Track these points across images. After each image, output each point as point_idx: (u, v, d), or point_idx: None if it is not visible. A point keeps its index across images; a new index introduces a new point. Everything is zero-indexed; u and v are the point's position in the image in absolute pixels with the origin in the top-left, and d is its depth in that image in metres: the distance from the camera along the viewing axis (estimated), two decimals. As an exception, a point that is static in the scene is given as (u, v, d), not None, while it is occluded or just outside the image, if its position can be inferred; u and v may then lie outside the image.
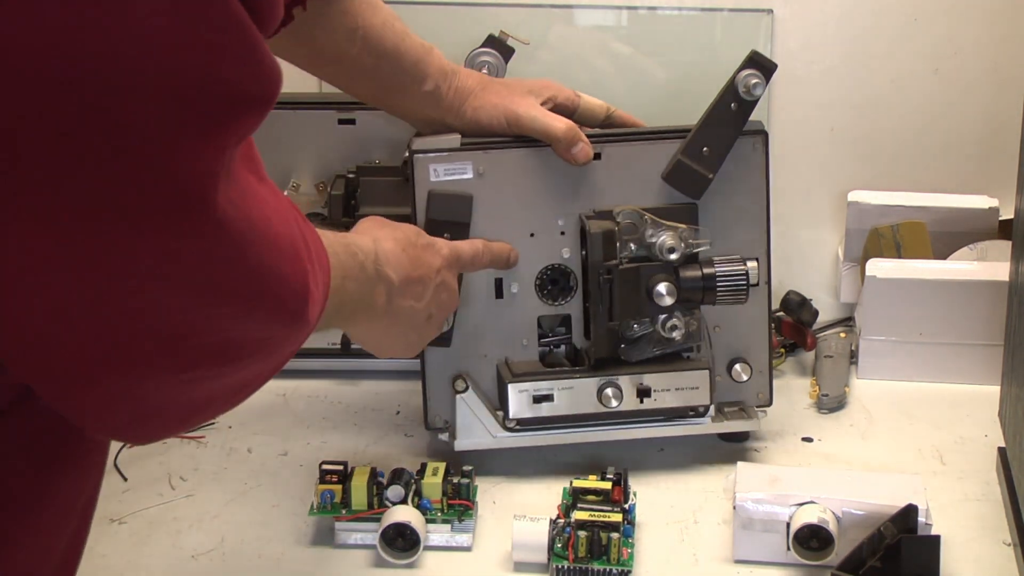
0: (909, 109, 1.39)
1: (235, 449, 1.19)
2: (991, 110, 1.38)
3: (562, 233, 1.11)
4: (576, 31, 1.40)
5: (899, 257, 1.33)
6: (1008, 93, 1.36)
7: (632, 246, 1.07)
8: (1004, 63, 1.37)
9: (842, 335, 1.35)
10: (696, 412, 1.11)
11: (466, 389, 1.11)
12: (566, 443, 1.11)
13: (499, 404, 1.11)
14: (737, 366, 1.13)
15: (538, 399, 1.10)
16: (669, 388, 1.10)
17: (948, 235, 1.34)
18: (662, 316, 1.08)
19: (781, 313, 1.34)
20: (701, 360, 1.11)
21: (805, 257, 1.44)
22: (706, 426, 1.12)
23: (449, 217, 1.09)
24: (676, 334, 1.08)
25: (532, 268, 1.12)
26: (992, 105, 1.38)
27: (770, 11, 1.37)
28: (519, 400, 1.10)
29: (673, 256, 1.06)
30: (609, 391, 1.09)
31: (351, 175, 1.26)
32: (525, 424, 1.11)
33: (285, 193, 1.31)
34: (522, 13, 1.38)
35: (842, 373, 1.29)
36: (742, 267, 1.07)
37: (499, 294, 1.11)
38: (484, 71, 1.25)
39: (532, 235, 1.11)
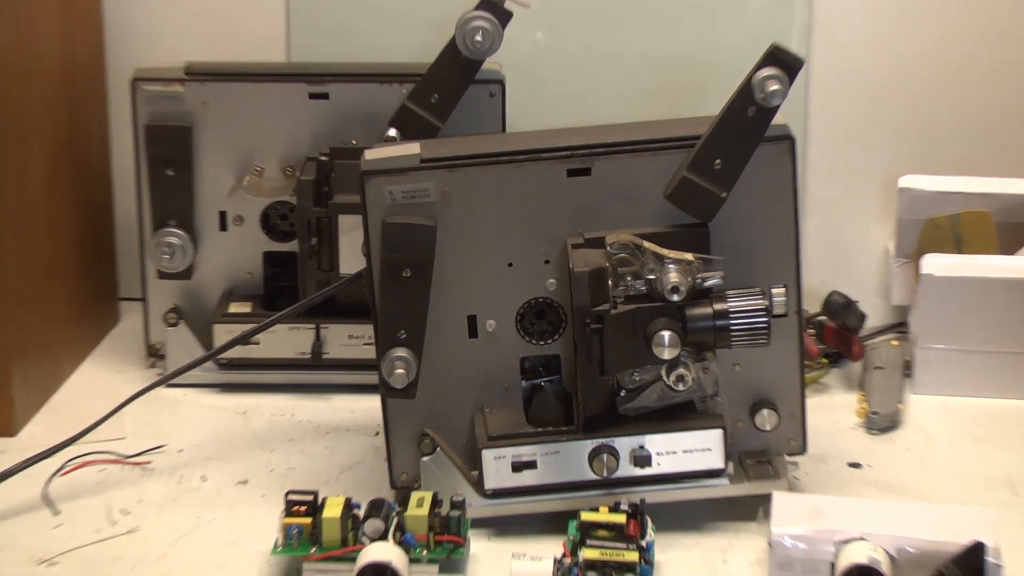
0: (969, 80, 1.39)
1: (186, 476, 1.18)
2: (1066, 81, 1.38)
3: (546, 262, 1.08)
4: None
5: (959, 252, 1.33)
6: (1086, 61, 1.36)
7: (629, 279, 1.03)
8: (1081, 26, 1.37)
9: (894, 343, 1.36)
10: (709, 475, 1.08)
11: (433, 451, 1.08)
12: (555, 511, 1.08)
13: (475, 464, 1.08)
14: (763, 411, 1.10)
15: (518, 466, 1.07)
16: (675, 450, 1.07)
17: (1015, 226, 1.34)
18: (666, 364, 1.04)
19: (823, 317, 1.34)
20: (714, 414, 1.07)
21: (850, 253, 1.44)
22: (721, 489, 1.08)
23: (408, 254, 1.06)
24: (683, 385, 1.03)
25: (512, 303, 1.09)
26: (1067, 75, 1.38)
27: (809, -32, 1.38)
28: (496, 468, 1.07)
29: (676, 297, 1.01)
30: (604, 457, 1.06)
31: (323, 158, 1.26)
32: (504, 494, 1.08)
33: (247, 179, 1.30)
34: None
35: (895, 387, 1.29)
36: (761, 301, 1.02)
37: (473, 333, 1.09)
38: (478, 37, 1.25)
39: (510, 265, 1.08)
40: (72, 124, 1.34)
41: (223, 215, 1.32)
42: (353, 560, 1.00)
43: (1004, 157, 1.40)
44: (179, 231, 1.31)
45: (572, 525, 1.02)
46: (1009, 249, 1.33)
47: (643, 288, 1.04)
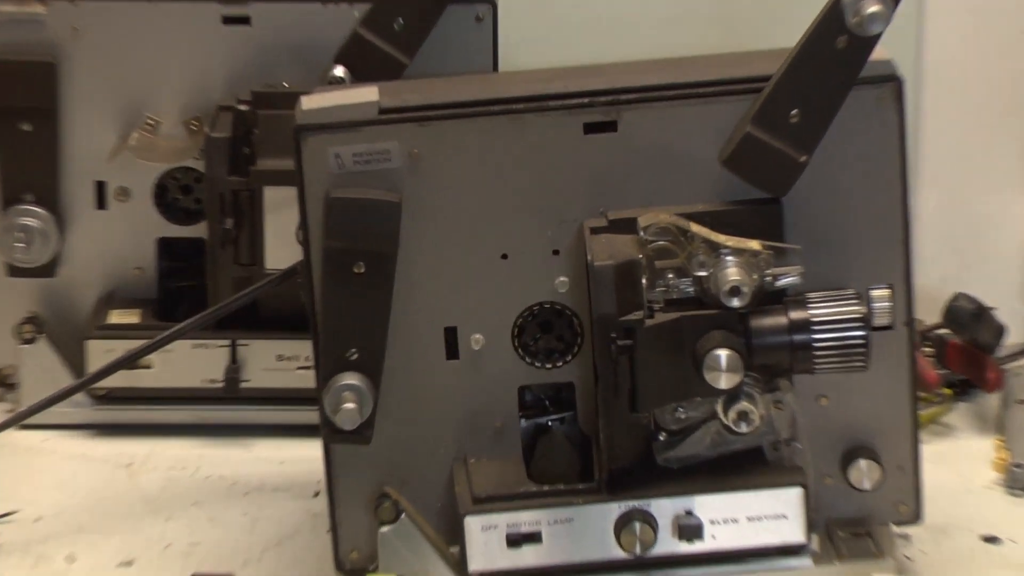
0: None
1: (46, 556, 1.18)
2: None
3: (555, 252, 1.09)
4: None
5: None
6: None
7: (670, 277, 1.04)
8: None
9: (1045, 367, 1.37)
10: (784, 552, 1.09)
11: (395, 518, 1.08)
12: None
13: (455, 536, 1.09)
14: (860, 463, 1.11)
15: (516, 540, 1.08)
16: (736, 518, 1.08)
17: None
18: (724, 396, 1.04)
19: (945, 331, 1.35)
20: (791, 466, 1.08)
21: (982, 242, 1.46)
22: (803, 572, 1.09)
23: (362, 241, 1.07)
24: (747, 426, 1.04)
25: (507, 310, 1.10)
26: None
27: None
28: (484, 542, 1.08)
29: (737, 302, 1.02)
30: (636, 527, 1.07)
31: (243, 107, 1.27)
32: None
33: (135, 136, 1.32)
34: None
35: (1046, 429, 1.30)
36: (856, 308, 1.03)
37: (452, 352, 1.10)
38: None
39: (505, 257, 1.09)
40: None
41: (101, 187, 1.33)
42: (281, 674, 1.01)
43: None
44: (38, 209, 1.32)
45: (590, 622, 1.03)
46: None
47: (690, 289, 1.04)
